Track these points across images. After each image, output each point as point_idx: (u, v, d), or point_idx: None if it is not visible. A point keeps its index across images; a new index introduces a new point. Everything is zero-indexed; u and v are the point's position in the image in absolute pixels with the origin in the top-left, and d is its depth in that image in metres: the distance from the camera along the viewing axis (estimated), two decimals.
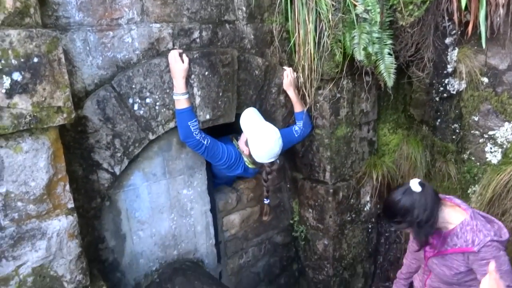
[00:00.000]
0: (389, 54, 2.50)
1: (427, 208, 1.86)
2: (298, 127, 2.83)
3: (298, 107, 2.81)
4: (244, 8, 2.60)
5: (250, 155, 2.54)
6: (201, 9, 2.42)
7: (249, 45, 2.69)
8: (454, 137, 3.08)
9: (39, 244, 1.80)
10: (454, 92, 2.96)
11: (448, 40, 2.83)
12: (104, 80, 2.12)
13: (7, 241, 1.73)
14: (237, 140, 2.66)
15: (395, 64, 2.53)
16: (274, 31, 2.78)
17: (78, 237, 1.92)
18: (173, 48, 2.32)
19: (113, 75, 2.14)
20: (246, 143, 2.53)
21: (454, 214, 1.93)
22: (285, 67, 2.81)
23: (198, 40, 2.44)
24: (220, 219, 2.94)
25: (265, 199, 2.77)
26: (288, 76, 2.75)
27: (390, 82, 2.53)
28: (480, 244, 1.80)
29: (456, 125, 3.06)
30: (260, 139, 2.46)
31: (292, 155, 3.22)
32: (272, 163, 2.58)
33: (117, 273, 2.39)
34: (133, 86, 2.16)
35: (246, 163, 2.64)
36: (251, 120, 2.54)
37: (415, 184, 1.90)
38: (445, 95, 2.99)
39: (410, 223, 1.89)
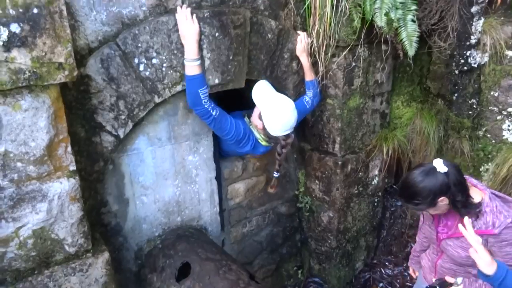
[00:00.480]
0: (412, 21, 2.34)
1: (460, 183, 1.78)
2: (308, 97, 2.70)
3: (309, 75, 2.68)
4: None
5: (264, 129, 2.45)
6: None
7: (262, 6, 2.52)
8: (470, 112, 2.96)
9: (40, 206, 1.75)
10: (476, 65, 2.81)
11: (474, 9, 2.65)
12: (108, 37, 1.99)
13: (7, 202, 1.67)
14: (249, 117, 2.56)
15: (417, 32, 2.38)
16: None
17: (80, 200, 1.86)
18: (182, 5, 2.18)
19: (118, 32, 2.01)
20: (260, 117, 2.43)
21: (472, 195, 1.85)
22: (299, 32, 2.66)
23: None
24: (225, 187, 2.88)
25: (275, 172, 2.71)
26: (302, 41, 2.61)
27: (411, 51, 2.39)
28: (501, 226, 1.73)
29: (473, 100, 2.93)
30: (275, 111, 2.36)
31: (301, 125, 3.11)
32: (287, 136, 2.48)
33: (120, 237, 2.36)
34: (139, 45, 2.03)
35: (259, 140, 2.56)
36: (264, 92, 2.44)
37: (439, 164, 1.79)
38: (465, 68, 2.84)
39: (429, 204, 1.81)
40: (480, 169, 3.04)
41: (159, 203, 2.47)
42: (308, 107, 2.70)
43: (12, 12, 1.46)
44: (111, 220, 2.30)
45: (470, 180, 1.96)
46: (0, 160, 1.61)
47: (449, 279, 1.86)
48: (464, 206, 1.80)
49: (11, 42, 1.47)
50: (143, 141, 2.29)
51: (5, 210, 1.67)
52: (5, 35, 1.46)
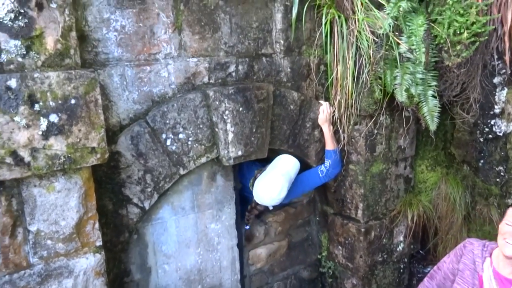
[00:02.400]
0: (433, 96, 2.38)
1: None
2: (324, 166, 2.70)
3: (330, 145, 2.69)
4: (282, 41, 2.55)
5: (254, 180, 2.62)
6: (238, 43, 2.38)
7: (285, 78, 2.62)
8: (498, 180, 2.90)
9: (66, 282, 1.79)
10: (501, 134, 2.78)
11: (496, 80, 2.68)
12: (139, 115, 2.11)
13: (35, 278, 1.73)
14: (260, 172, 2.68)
15: (439, 107, 2.40)
16: (312, 64, 2.71)
17: (104, 274, 1.90)
18: (208, 83, 2.30)
19: (148, 109, 2.13)
20: (261, 172, 2.62)
21: None
22: (321, 102, 2.73)
23: (234, 74, 2.40)
24: (246, 253, 2.87)
25: (245, 226, 2.87)
26: (324, 111, 2.67)
27: (433, 126, 2.41)
28: None
29: (501, 168, 2.88)
30: (263, 185, 2.50)
31: (324, 188, 3.12)
32: (257, 204, 2.65)
33: None
34: (167, 121, 2.14)
35: (249, 183, 2.71)
36: (279, 166, 2.56)
37: None
38: (490, 136, 2.82)
39: None
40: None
41: (181, 272, 2.48)
42: (321, 176, 2.69)
43: (52, 104, 1.58)
44: None
45: None
46: (32, 239, 1.68)
47: None
48: None
49: (50, 131, 1.59)
50: (167, 211, 2.35)
51: (33, 287, 1.72)
52: (44, 125, 1.57)
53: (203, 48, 2.26)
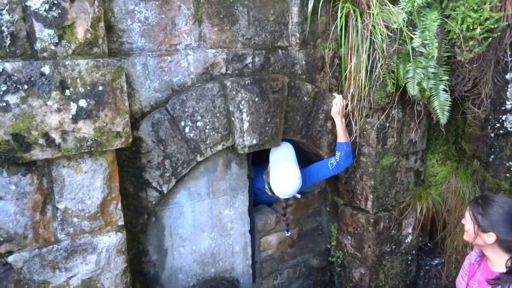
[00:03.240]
0: (444, 90, 2.43)
1: None
2: (335, 159, 2.76)
3: (341, 137, 2.75)
4: (297, 34, 2.62)
5: (268, 183, 2.70)
6: (256, 35, 2.46)
7: (300, 70, 2.70)
8: (508, 175, 2.93)
9: (90, 258, 1.91)
10: None
11: (508, 76, 2.70)
12: (159, 103, 2.21)
13: (62, 253, 1.85)
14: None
15: (450, 100, 2.45)
16: (326, 57, 2.77)
17: (125, 253, 2.01)
18: (225, 73, 2.39)
19: (168, 97, 2.23)
20: (268, 173, 2.69)
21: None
22: (334, 94, 2.80)
23: (250, 65, 2.48)
24: (258, 239, 2.97)
25: (286, 232, 2.91)
26: (337, 104, 2.73)
27: (443, 120, 2.46)
28: None
29: (511, 163, 2.91)
30: (277, 177, 2.60)
31: (335, 180, 3.20)
32: (287, 199, 2.72)
33: (157, 286, 2.48)
34: (186, 109, 2.23)
35: (265, 190, 2.77)
36: (277, 155, 2.65)
37: None
38: (501, 131, 2.85)
39: (483, 226, 1.81)
40: None
41: (195, 254, 2.59)
42: (331, 168, 2.77)
43: (81, 89, 1.69)
44: (150, 269, 2.43)
45: None
46: (59, 216, 1.80)
47: None
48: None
49: (79, 115, 1.69)
50: (184, 196, 2.45)
51: (60, 261, 1.84)
52: (74, 109, 1.68)
53: (221, 39, 2.34)
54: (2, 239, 1.70)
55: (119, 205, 1.95)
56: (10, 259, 1.73)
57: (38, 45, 1.62)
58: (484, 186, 3.09)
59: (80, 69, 1.67)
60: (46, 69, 1.60)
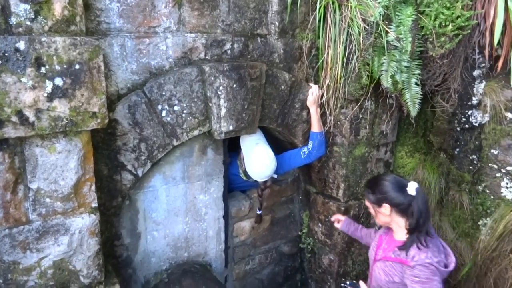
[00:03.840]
0: (416, 84, 2.52)
1: (419, 212, 1.96)
2: (307, 148, 2.82)
3: (316, 127, 2.80)
4: (277, 23, 2.64)
5: (245, 171, 2.76)
6: (235, 21, 2.46)
7: (278, 59, 2.72)
8: (471, 167, 3.09)
9: (62, 239, 1.89)
10: (476, 124, 2.96)
11: (476, 73, 2.83)
12: (136, 85, 2.19)
13: (33, 233, 1.82)
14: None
15: (420, 94, 2.55)
16: (304, 47, 2.81)
17: (98, 235, 2.00)
18: (204, 58, 2.38)
19: (145, 80, 2.21)
20: (243, 160, 2.75)
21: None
22: (311, 84, 2.85)
23: (229, 51, 2.49)
24: (231, 225, 3.00)
25: (258, 210, 3.02)
26: (313, 93, 2.79)
27: (414, 112, 2.55)
28: (417, 261, 1.89)
29: (474, 156, 3.07)
30: (253, 161, 2.66)
31: (308, 168, 3.27)
32: (265, 182, 2.80)
33: (129, 269, 2.48)
34: (163, 93, 2.22)
35: (240, 175, 2.85)
36: (249, 141, 2.71)
37: (412, 187, 2.01)
38: (466, 126, 2.99)
39: (376, 201, 2.06)
40: (479, 223, 3.14)
41: (169, 239, 2.60)
42: (303, 157, 2.83)
43: (57, 67, 1.65)
44: (123, 252, 2.43)
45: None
46: (32, 196, 1.77)
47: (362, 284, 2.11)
48: (412, 231, 1.98)
49: (54, 94, 1.66)
50: (159, 180, 2.45)
51: (31, 241, 1.82)
52: (49, 87, 1.65)
53: (201, 24, 2.33)
54: None
55: (93, 187, 1.93)
56: None
57: (13, 20, 1.57)
58: (448, 177, 3.24)
59: (57, 46, 1.63)
60: (21, 45, 1.55)
